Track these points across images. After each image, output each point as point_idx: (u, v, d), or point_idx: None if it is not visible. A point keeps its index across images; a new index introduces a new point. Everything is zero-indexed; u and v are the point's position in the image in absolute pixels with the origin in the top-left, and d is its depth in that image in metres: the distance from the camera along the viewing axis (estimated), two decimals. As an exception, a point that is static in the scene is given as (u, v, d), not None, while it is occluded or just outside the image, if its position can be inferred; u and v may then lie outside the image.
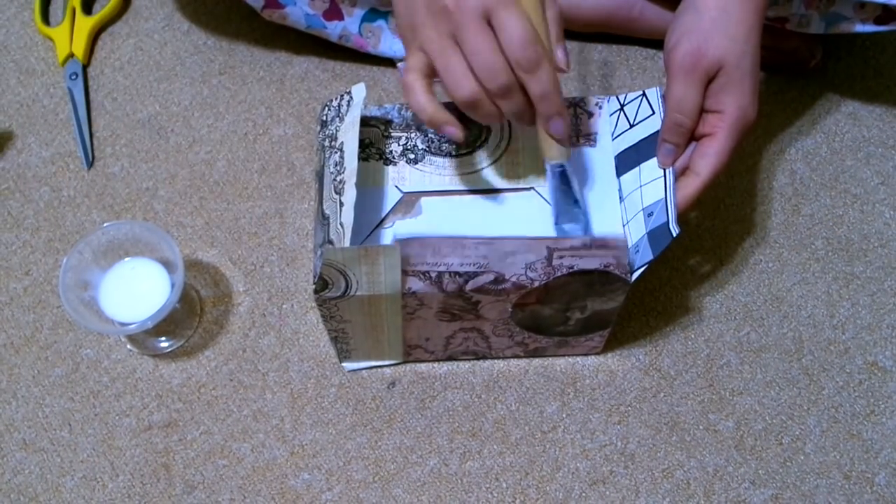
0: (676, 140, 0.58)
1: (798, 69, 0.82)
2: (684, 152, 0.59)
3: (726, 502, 0.67)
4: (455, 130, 0.54)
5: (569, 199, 0.58)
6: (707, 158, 0.57)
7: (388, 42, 0.82)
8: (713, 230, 0.76)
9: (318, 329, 0.73)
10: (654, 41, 0.85)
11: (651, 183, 0.58)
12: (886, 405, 0.70)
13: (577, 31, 0.85)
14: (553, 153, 0.56)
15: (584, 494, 0.67)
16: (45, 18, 0.87)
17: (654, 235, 0.56)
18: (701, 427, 0.69)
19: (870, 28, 0.72)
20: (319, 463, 0.68)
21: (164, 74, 0.85)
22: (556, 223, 0.59)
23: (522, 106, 0.53)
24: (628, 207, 0.59)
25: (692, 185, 0.58)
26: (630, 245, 0.58)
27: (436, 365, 0.71)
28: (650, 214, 0.57)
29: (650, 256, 0.56)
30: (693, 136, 0.59)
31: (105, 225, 0.68)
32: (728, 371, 0.71)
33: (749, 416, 0.70)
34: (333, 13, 0.79)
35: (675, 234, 0.55)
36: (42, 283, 0.75)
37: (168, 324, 0.72)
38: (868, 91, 0.83)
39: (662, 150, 0.58)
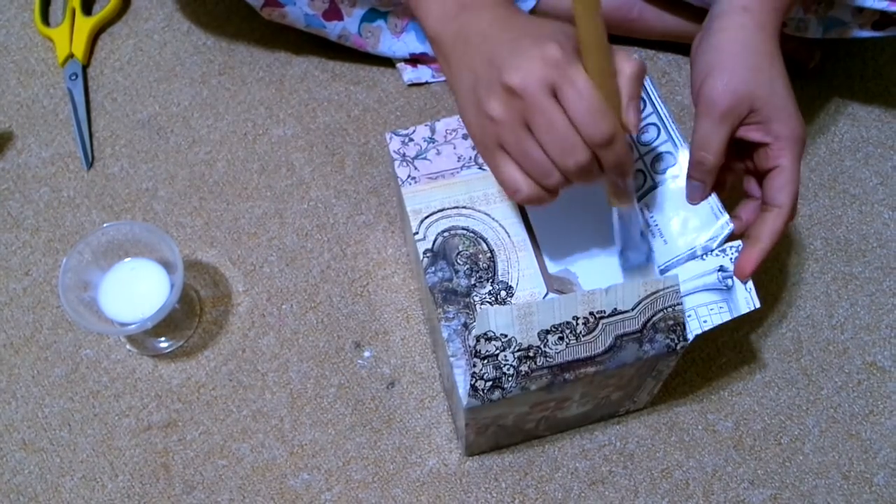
0: (700, 177, 0.57)
1: (797, 70, 0.82)
2: (710, 191, 0.58)
3: (725, 502, 0.67)
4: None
5: (631, 232, 0.57)
6: (784, 189, 0.56)
7: (387, 42, 0.82)
8: (712, 230, 0.76)
9: (317, 329, 0.73)
10: (654, 41, 0.85)
11: (705, 229, 0.58)
12: (885, 405, 0.70)
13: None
14: (617, 202, 0.55)
15: (583, 494, 0.67)
16: (45, 19, 0.88)
17: (727, 295, 0.56)
18: (700, 427, 0.69)
19: (867, 33, 0.72)
20: (319, 463, 0.68)
21: (164, 75, 0.85)
22: (621, 253, 0.58)
23: (598, 175, 0.50)
24: (672, 246, 0.58)
25: (778, 217, 0.57)
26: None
27: (436, 365, 0.71)
28: (722, 270, 0.57)
29: (723, 319, 0.56)
30: (757, 174, 0.58)
31: (105, 225, 0.68)
32: (727, 371, 0.71)
33: (748, 416, 0.70)
34: (333, 13, 0.79)
35: (755, 306, 0.55)
36: (42, 283, 0.75)
37: (167, 324, 0.72)
38: (867, 92, 0.83)
39: (689, 186, 0.58)
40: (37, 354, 0.72)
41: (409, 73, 0.83)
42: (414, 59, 0.84)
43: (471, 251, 0.58)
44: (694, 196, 0.58)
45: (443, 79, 0.84)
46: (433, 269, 0.58)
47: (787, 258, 0.76)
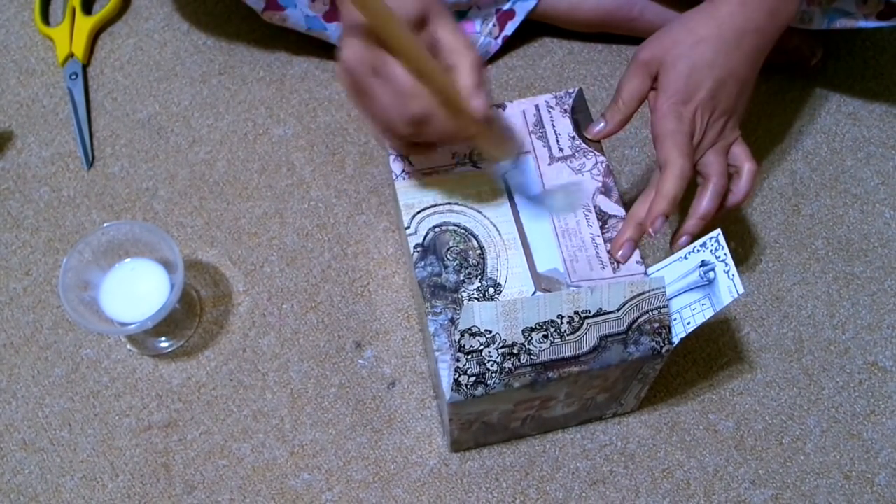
0: (609, 115, 0.63)
1: (798, 68, 0.82)
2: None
3: (726, 502, 0.67)
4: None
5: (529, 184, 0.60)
6: (661, 150, 0.60)
7: (387, 42, 0.82)
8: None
9: (317, 329, 0.73)
10: (654, 41, 0.85)
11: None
12: (886, 405, 0.70)
13: (577, 31, 0.85)
14: (493, 159, 0.58)
15: (584, 494, 0.67)
16: (45, 18, 0.87)
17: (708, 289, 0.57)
18: (701, 427, 0.69)
19: (872, 24, 0.72)
20: (319, 463, 0.68)
21: (164, 74, 0.85)
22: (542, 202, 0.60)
23: (438, 138, 0.54)
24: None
25: (665, 177, 0.59)
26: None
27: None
28: (703, 265, 0.57)
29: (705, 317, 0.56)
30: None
31: (105, 225, 0.68)
32: (728, 371, 0.71)
33: (749, 416, 0.70)
34: (334, 15, 0.79)
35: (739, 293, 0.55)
36: (42, 283, 0.75)
37: (168, 324, 0.72)
38: (868, 91, 0.83)
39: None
40: (37, 354, 0.72)
41: (409, 73, 0.83)
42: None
43: (461, 247, 0.59)
44: (591, 131, 0.63)
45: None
46: (423, 263, 0.58)
47: (789, 258, 0.75)
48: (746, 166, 0.63)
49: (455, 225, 0.60)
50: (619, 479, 0.67)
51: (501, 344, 0.54)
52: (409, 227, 0.59)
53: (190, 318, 0.73)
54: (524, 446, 0.68)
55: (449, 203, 0.60)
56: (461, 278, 0.58)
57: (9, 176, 0.80)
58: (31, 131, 0.82)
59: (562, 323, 0.54)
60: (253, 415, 0.70)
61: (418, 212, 0.60)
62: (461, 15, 0.82)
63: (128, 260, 0.70)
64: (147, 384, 0.71)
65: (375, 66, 0.51)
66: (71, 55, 0.85)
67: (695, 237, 0.59)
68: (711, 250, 0.56)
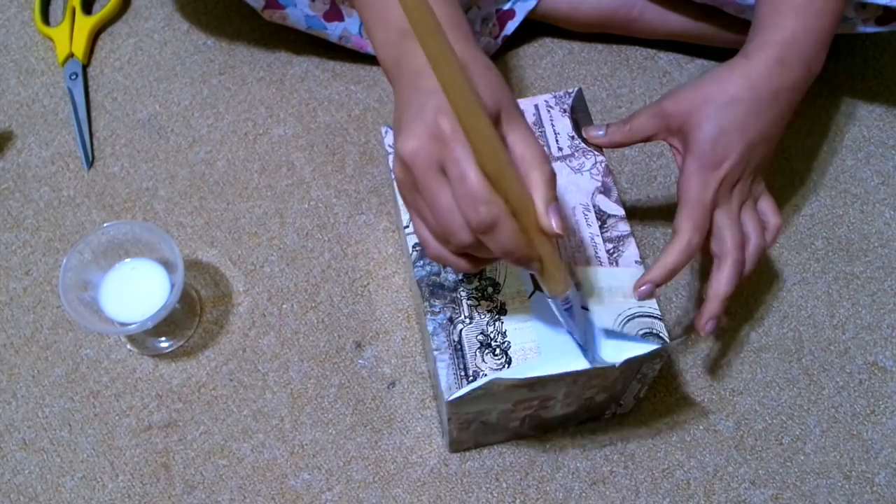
0: (611, 133, 0.62)
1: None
2: None
3: (726, 502, 0.67)
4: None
5: (577, 322, 0.55)
6: (681, 214, 0.58)
7: (388, 42, 0.82)
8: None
9: (317, 329, 0.73)
10: (655, 41, 0.85)
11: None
12: (887, 405, 0.70)
13: (577, 31, 0.85)
14: (549, 289, 0.51)
15: (584, 494, 0.67)
16: (45, 18, 0.87)
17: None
18: (701, 427, 0.69)
19: (871, 29, 0.72)
20: (319, 463, 0.68)
21: (164, 74, 0.85)
22: (584, 352, 0.56)
23: (494, 255, 0.47)
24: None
25: (675, 243, 0.58)
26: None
27: (436, 365, 0.71)
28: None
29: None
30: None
31: (105, 225, 0.68)
32: (728, 371, 0.71)
33: (749, 416, 0.70)
34: (334, 14, 0.79)
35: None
36: (42, 283, 0.75)
37: (168, 324, 0.72)
38: (868, 91, 0.83)
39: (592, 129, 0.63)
40: (37, 354, 0.72)
41: (409, 73, 0.83)
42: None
43: None
44: (589, 133, 0.62)
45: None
46: (421, 262, 0.58)
47: (789, 258, 0.75)
48: (773, 222, 0.61)
49: None
50: (619, 479, 0.67)
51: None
52: (408, 227, 0.59)
53: (190, 318, 0.73)
54: (524, 446, 0.68)
55: None
56: (460, 277, 0.58)
57: (9, 176, 0.80)
58: (31, 131, 0.82)
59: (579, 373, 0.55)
60: (253, 415, 0.70)
61: None
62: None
63: (128, 260, 0.70)
64: (147, 384, 0.71)
65: (443, 163, 0.45)
66: (71, 55, 0.85)
67: (720, 318, 0.59)
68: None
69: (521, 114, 0.48)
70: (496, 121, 0.46)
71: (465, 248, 0.47)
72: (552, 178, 0.47)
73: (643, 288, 0.56)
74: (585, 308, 0.56)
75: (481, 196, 0.44)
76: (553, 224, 0.46)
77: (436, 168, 0.45)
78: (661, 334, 0.55)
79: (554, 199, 0.46)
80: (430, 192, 0.45)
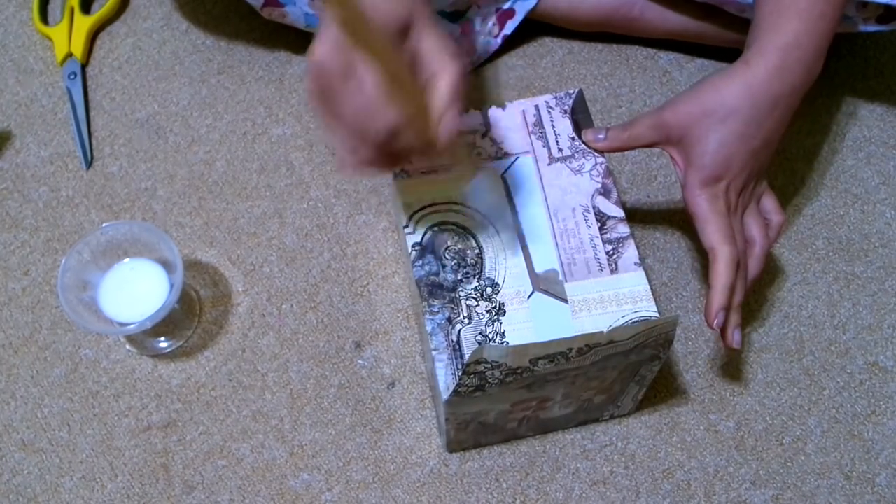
0: (604, 135, 0.62)
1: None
2: None
3: (727, 503, 0.67)
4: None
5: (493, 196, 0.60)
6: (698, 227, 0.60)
7: (387, 41, 0.82)
8: (714, 230, 0.76)
9: (317, 329, 0.73)
10: (654, 41, 0.85)
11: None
12: (887, 406, 0.70)
13: (577, 30, 0.85)
14: (461, 176, 0.57)
15: (584, 495, 0.67)
16: (44, 18, 0.87)
17: None
18: (701, 427, 0.69)
19: (872, 28, 0.72)
20: (319, 463, 0.68)
21: (163, 74, 0.84)
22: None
23: (407, 153, 0.52)
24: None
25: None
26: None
27: (436, 365, 0.71)
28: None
29: None
30: None
31: (104, 225, 0.68)
32: (728, 371, 0.71)
33: (750, 416, 0.69)
34: (333, 13, 0.79)
35: None
36: (41, 283, 0.75)
37: (167, 324, 0.71)
38: (869, 90, 0.83)
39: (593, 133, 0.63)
40: (36, 354, 0.72)
41: (409, 72, 0.83)
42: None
43: (459, 246, 0.59)
44: (588, 136, 0.63)
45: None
46: (420, 262, 0.58)
47: (789, 258, 0.75)
48: (776, 219, 0.62)
49: (454, 224, 0.59)
50: (619, 480, 0.67)
51: (507, 369, 0.53)
52: (407, 226, 0.59)
53: (189, 319, 0.73)
54: (524, 447, 0.68)
55: (448, 202, 0.60)
56: (459, 277, 0.58)
57: (7, 176, 0.80)
58: (30, 131, 0.82)
59: (570, 352, 0.53)
60: (252, 415, 0.70)
61: (416, 210, 0.60)
62: (461, 15, 0.82)
63: (127, 260, 0.70)
64: (146, 384, 0.71)
65: (349, 70, 0.48)
66: (70, 55, 0.84)
67: (728, 310, 0.59)
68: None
69: (435, 20, 0.51)
70: (408, 29, 0.49)
71: (379, 148, 0.50)
72: (456, 78, 0.49)
73: (718, 318, 0.57)
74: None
75: (380, 102, 0.47)
76: (442, 132, 0.49)
77: (341, 75, 0.48)
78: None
79: (454, 101, 0.49)
80: (338, 96, 0.49)
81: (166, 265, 0.69)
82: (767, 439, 0.69)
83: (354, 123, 0.49)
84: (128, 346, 0.72)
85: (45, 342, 0.72)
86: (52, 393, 0.71)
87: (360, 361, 0.72)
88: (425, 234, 0.59)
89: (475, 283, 0.58)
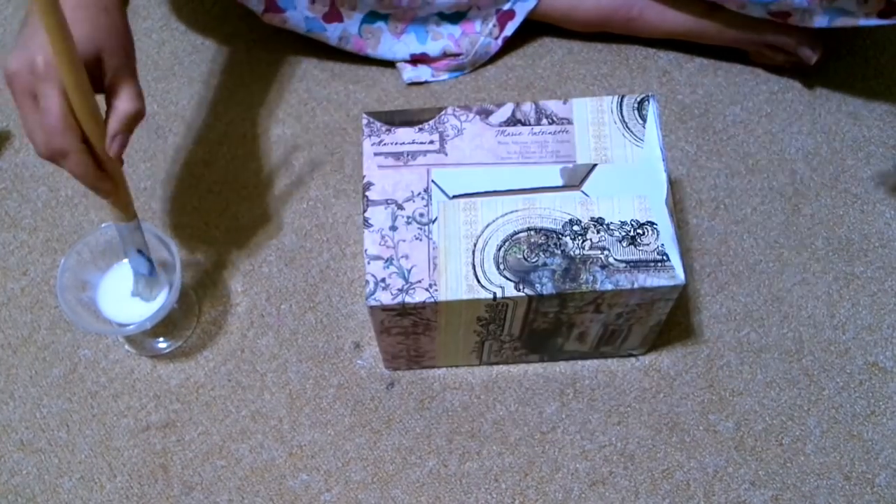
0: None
1: (799, 68, 0.82)
2: None
3: (726, 503, 0.67)
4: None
5: (130, 246, 0.64)
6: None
7: (387, 44, 0.82)
8: (713, 230, 0.76)
9: (316, 329, 0.73)
10: (654, 41, 0.85)
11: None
12: (887, 406, 0.70)
13: (577, 30, 0.85)
14: (116, 216, 0.62)
15: (583, 495, 0.67)
16: (44, 18, 0.87)
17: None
18: (701, 428, 0.69)
19: (873, 22, 0.71)
20: (318, 464, 0.68)
21: (163, 74, 0.84)
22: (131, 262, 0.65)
23: (74, 176, 0.56)
24: None
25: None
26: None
27: (436, 365, 0.71)
28: None
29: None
30: None
31: (103, 225, 0.68)
32: (728, 371, 0.71)
33: (749, 416, 0.69)
34: (333, 16, 0.79)
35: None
36: (40, 283, 0.75)
37: (166, 324, 0.71)
38: (869, 90, 0.83)
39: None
40: (35, 355, 0.72)
41: (408, 72, 0.83)
42: (414, 60, 0.83)
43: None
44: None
45: (442, 78, 0.83)
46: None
47: (789, 258, 0.75)
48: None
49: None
50: (618, 480, 0.67)
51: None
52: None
53: (188, 319, 0.73)
54: (523, 447, 0.68)
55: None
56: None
57: (7, 176, 0.80)
58: (30, 131, 0.82)
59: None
60: (251, 415, 0.70)
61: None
62: (461, 16, 0.82)
63: (126, 260, 0.70)
64: (145, 385, 0.71)
65: (34, 94, 0.53)
66: (69, 55, 0.84)
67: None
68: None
69: (126, 57, 0.56)
70: (98, 61, 0.54)
71: (52, 161, 0.55)
72: (132, 114, 0.55)
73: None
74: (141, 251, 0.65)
75: (56, 129, 0.53)
76: (111, 149, 0.55)
77: (28, 94, 0.53)
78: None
79: (122, 131, 0.55)
80: (22, 111, 0.54)
81: (165, 265, 0.69)
82: (767, 439, 0.69)
83: (33, 137, 0.54)
84: (127, 347, 0.72)
85: (44, 342, 0.72)
86: (50, 393, 0.71)
87: (359, 362, 0.72)
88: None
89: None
